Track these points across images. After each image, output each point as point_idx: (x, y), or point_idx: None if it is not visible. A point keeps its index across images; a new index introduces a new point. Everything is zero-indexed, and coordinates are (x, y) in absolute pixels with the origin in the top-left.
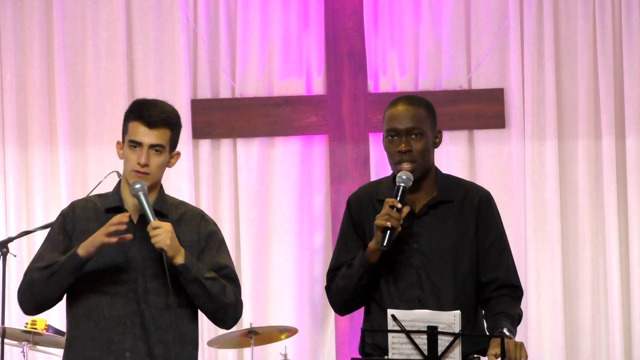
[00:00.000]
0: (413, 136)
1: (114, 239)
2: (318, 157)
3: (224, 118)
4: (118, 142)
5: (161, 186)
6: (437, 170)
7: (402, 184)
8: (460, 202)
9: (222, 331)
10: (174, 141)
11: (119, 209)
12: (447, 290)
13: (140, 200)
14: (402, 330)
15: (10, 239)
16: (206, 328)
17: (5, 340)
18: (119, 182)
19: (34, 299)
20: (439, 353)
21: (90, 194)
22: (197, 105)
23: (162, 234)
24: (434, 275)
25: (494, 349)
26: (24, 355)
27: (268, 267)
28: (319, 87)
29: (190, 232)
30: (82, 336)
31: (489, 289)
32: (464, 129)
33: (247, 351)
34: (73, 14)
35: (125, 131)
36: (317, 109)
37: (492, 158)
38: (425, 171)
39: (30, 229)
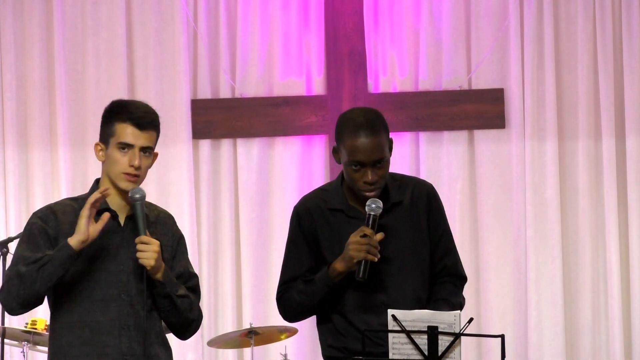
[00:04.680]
0: (378, 164)
1: (94, 211)
2: (318, 157)
3: (224, 118)
4: (97, 144)
5: None
6: None
7: (373, 213)
8: (409, 200)
9: (222, 331)
10: (156, 143)
11: (105, 210)
12: (410, 289)
13: (137, 211)
14: (403, 330)
15: (10, 239)
16: (206, 328)
17: (5, 340)
18: (96, 183)
19: (22, 292)
20: (440, 353)
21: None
22: (197, 105)
23: (149, 252)
24: (397, 278)
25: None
26: (24, 355)
27: (268, 267)
28: (319, 87)
29: (167, 234)
30: (78, 342)
31: (437, 277)
32: (464, 129)
33: (247, 351)
34: (73, 14)
35: (110, 133)
36: (317, 109)
37: (492, 158)
38: None
39: None
